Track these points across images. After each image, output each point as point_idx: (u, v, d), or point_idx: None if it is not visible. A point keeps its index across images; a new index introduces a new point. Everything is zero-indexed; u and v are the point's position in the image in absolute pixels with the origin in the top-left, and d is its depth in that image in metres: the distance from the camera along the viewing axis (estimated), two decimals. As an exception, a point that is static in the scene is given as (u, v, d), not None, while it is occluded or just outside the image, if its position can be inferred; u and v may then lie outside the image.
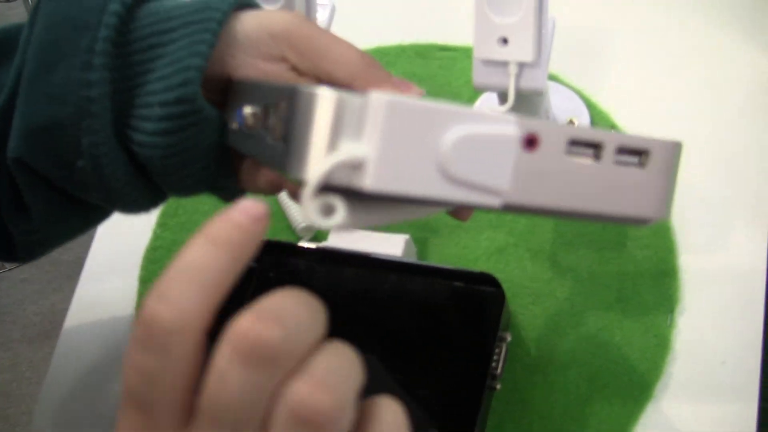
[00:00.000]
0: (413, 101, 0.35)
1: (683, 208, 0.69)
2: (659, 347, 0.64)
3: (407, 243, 0.69)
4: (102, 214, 0.61)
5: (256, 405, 0.33)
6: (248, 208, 0.34)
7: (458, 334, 0.65)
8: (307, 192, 0.35)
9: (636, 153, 0.39)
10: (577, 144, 0.38)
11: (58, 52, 0.50)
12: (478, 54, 0.62)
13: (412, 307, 0.66)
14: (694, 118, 0.73)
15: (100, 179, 0.52)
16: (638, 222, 0.41)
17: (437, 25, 0.84)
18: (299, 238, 0.76)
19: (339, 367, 0.35)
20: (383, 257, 0.68)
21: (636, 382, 0.63)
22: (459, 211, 0.56)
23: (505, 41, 0.61)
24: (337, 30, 0.74)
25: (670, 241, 0.68)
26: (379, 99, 0.35)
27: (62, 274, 2.24)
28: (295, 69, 0.52)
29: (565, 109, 0.74)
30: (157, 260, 0.79)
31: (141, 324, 0.32)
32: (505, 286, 0.67)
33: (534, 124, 0.37)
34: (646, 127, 0.73)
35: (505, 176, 0.37)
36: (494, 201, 0.37)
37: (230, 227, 0.34)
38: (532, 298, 0.68)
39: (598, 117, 0.75)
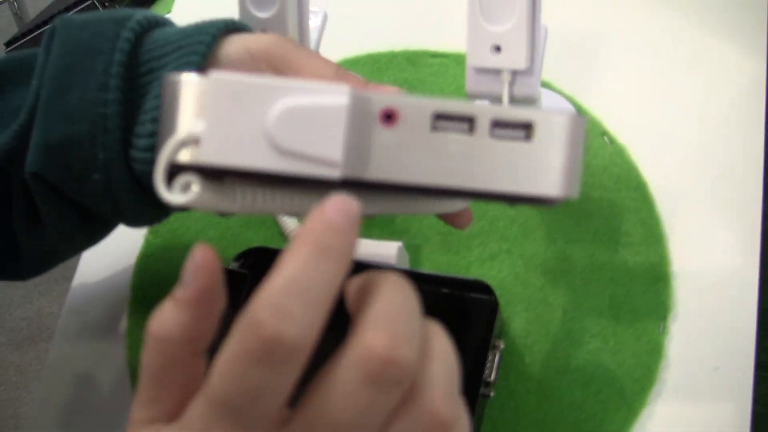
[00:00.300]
0: (243, 78, 0.37)
1: (675, 214, 0.70)
2: (652, 353, 0.65)
3: (400, 250, 0.69)
4: (107, 229, 0.66)
5: (379, 419, 0.35)
6: (343, 207, 0.35)
7: (452, 342, 0.65)
8: (157, 171, 0.38)
9: (520, 127, 0.38)
10: (445, 118, 0.38)
11: (74, 75, 0.55)
12: (471, 62, 0.62)
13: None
14: (684, 121, 0.74)
15: (110, 192, 0.56)
16: (537, 201, 0.39)
17: (429, 32, 0.84)
18: (292, 245, 0.76)
19: (450, 368, 0.38)
20: (376, 264, 0.68)
21: (629, 388, 0.64)
22: (454, 218, 0.56)
23: (498, 49, 0.61)
24: (329, 37, 0.74)
25: (662, 248, 0.68)
26: (212, 77, 0.37)
27: (48, 278, 2.23)
28: None
29: (557, 115, 0.75)
30: (148, 268, 0.79)
31: (257, 338, 0.32)
32: (498, 292, 0.68)
33: (392, 99, 0.38)
34: (637, 131, 0.74)
35: (338, 147, 0.37)
36: (332, 173, 0.37)
37: (333, 233, 0.34)
38: (525, 305, 0.68)
39: (590, 124, 0.75)
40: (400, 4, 0.89)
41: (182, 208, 0.51)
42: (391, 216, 0.75)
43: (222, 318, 0.39)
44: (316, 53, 0.56)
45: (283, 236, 0.77)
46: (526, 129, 0.38)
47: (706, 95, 0.75)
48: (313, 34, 0.69)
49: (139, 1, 1.22)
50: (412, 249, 0.73)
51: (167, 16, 0.99)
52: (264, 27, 0.65)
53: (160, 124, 0.41)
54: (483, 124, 0.38)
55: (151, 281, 0.79)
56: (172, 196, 0.39)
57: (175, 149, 0.38)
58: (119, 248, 0.80)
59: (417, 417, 0.36)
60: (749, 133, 0.72)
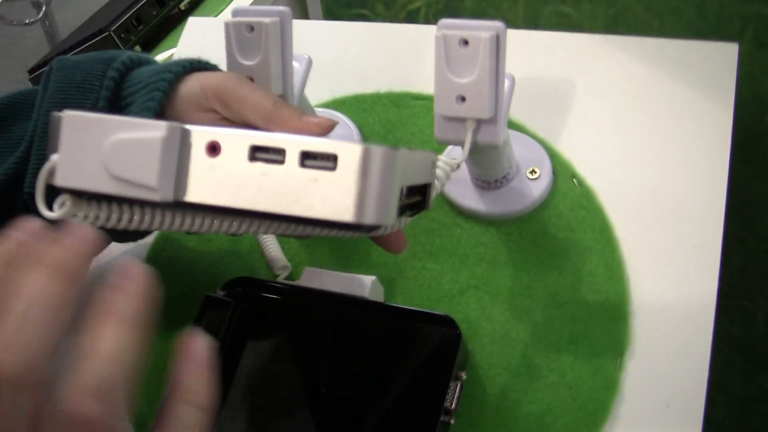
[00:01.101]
0: (86, 114, 0.44)
1: (637, 255, 0.73)
2: (607, 389, 0.68)
3: (374, 283, 0.73)
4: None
5: (17, 426, 0.36)
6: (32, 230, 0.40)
7: (416, 371, 0.69)
8: (36, 192, 0.45)
9: (326, 158, 0.42)
10: (261, 150, 0.43)
11: (67, 108, 0.59)
12: (438, 110, 0.65)
13: (375, 343, 0.70)
14: (650, 165, 0.76)
15: None
16: (346, 226, 0.42)
17: (412, 76, 0.88)
18: (276, 276, 0.80)
19: (108, 366, 0.38)
20: (350, 296, 0.72)
21: (583, 421, 0.67)
22: (387, 243, 0.62)
23: (462, 99, 0.64)
24: (319, 78, 0.78)
25: (622, 288, 0.71)
26: (65, 114, 0.45)
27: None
28: (224, 118, 0.63)
29: (528, 158, 0.78)
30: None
31: None
32: (464, 326, 0.71)
33: (215, 132, 0.43)
34: (604, 174, 0.77)
35: (153, 173, 0.43)
36: (153, 196, 0.43)
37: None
38: (489, 339, 0.72)
39: (560, 166, 0.78)
40: (385, 50, 0.93)
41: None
42: (368, 250, 0.79)
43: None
44: (258, 88, 0.62)
45: (269, 268, 0.81)
46: (331, 160, 0.42)
47: (672, 140, 0.77)
48: (296, 79, 0.73)
49: (148, 38, 1.26)
50: (387, 282, 0.77)
51: (173, 51, 1.04)
52: (249, 74, 0.69)
53: (48, 152, 0.46)
54: (293, 156, 0.42)
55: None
56: (50, 213, 0.45)
57: (46, 175, 0.45)
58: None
59: (52, 418, 0.36)
60: (712, 179, 0.74)
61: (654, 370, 0.68)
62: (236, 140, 0.43)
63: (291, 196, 0.42)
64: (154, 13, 1.27)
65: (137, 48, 1.24)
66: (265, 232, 0.57)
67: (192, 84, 0.64)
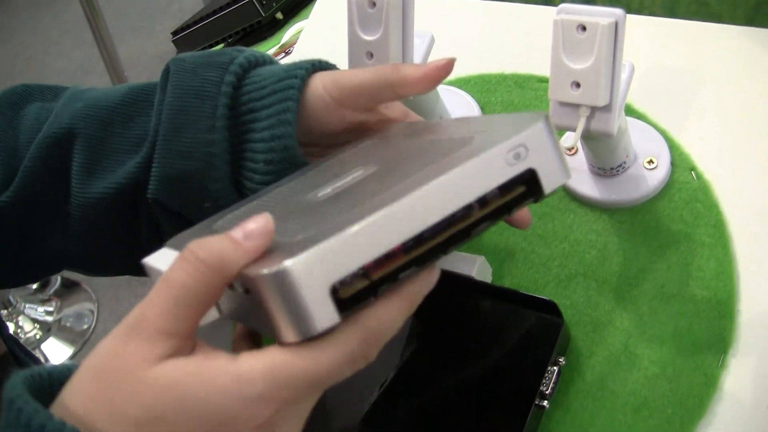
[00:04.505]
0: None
1: (750, 254, 0.71)
2: (706, 386, 0.67)
3: (481, 263, 0.74)
4: None
5: None
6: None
7: (516, 354, 0.69)
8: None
9: (246, 290, 0.46)
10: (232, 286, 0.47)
11: (185, 117, 0.64)
12: (553, 96, 0.66)
13: (477, 323, 0.71)
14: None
15: None
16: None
17: (537, 58, 0.88)
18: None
19: None
20: (457, 274, 0.73)
21: (679, 416, 0.66)
22: (515, 222, 0.61)
23: (577, 85, 0.65)
24: (440, 57, 0.79)
25: (731, 286, 0.70)
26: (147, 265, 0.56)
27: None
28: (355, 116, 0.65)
29: (646, 148, 0.77)
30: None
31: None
32: (568, 312, 0.72)
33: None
34: (724, 170, 0.75)
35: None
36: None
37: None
38: (593, 326, 0.72)
39: (679, 158, 0.77)
40: (513, 30, 0.93)
41: None
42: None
43: None
44: (367, 69, 0.64)
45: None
46: (247, 291, 0.45)
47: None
48: (417, 55, 0.74)
49: (289, 5, 1.29)
50: (495, 263, 0.77)
51: (303, 23, 1.06)
52: (369, 49, 0.70)
53: None
54: (239, 289, 0.46)
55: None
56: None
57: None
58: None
59: None
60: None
61: (757, 371, 0.67)
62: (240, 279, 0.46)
63: (250, 317, 0.48)
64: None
65: (279, 15, 1.27)
66: None
67: (316, 87, 0.64)
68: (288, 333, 0.43)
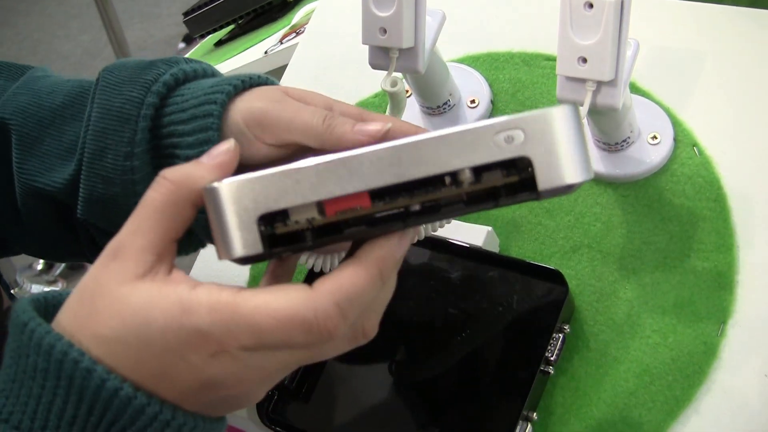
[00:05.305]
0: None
1: (749, 227, 0.73)
2: (706, 354, 0.69)
3: (489, 234, 0.76)
4: None
5: None
6: None
7: (523, 321, 0.72)
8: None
9: None
10: None
11: (107, 140, 0.62)
12: (560, 70, 0.68)
13: (485, 291, 0.74)
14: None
15: None
16: None
17: (545, 36, 0.89)
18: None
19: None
20: (465, 245, 0.76)
21: (680, 383, 0.69)
22: None
23: (584, 60, 0.66)
24: (452, 34, 0.81)
25: (731, 257, 0.72)
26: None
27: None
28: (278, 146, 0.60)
29: (650, 124, 0.79)
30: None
31: None
32: (573, 282, 0.74)
33: None
34: (725, 145, 0.77)
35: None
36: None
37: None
38: (597, 296, 0.74)
39: (682, 134, 0.79)
40: (520, 7, 0.94)
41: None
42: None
43: None
44: (302, 106, 0.59)
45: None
46: None
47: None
48: (428, 33, 0.76)
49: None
50: (502, 235, 0.79)
51: (316, 4, 1.07)
52: (382, 25, 0.72)
53: None
54: None
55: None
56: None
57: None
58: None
59: None
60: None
61: (755, 340, 0.69)
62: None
63: None
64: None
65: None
66: None
67: (235, 117, 0.60)
68: (219, 250, 0.45)
